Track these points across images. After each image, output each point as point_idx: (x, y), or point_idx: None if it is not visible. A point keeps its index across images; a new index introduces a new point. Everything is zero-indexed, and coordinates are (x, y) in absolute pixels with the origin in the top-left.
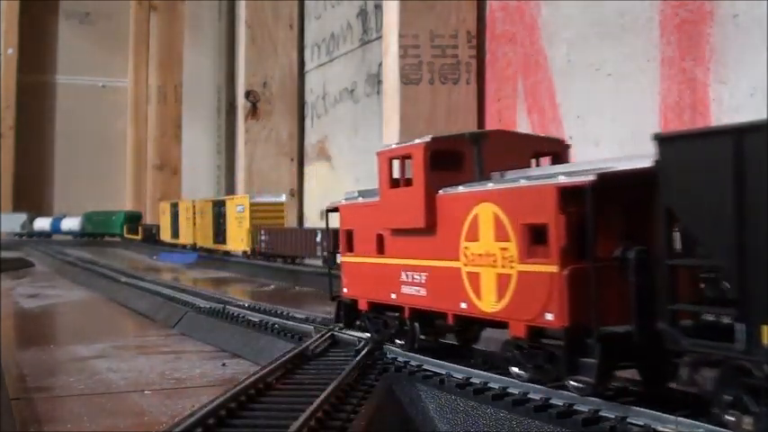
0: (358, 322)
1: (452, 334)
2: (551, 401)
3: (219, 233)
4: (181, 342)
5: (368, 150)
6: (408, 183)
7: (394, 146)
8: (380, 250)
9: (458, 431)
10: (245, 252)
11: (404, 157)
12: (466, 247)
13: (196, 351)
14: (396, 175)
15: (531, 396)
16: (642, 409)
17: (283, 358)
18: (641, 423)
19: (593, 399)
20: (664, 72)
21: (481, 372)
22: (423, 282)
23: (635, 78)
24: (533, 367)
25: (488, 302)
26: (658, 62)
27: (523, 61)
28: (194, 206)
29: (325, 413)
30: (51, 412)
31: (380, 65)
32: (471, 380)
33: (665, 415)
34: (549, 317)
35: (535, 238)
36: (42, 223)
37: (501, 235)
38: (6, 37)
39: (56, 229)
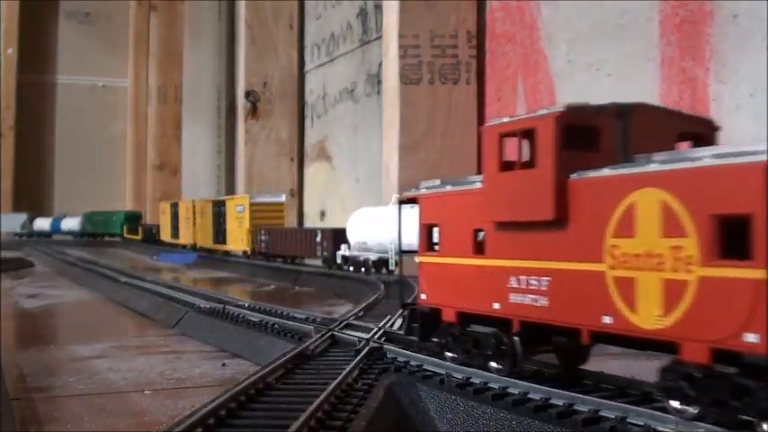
0: (436, 339)
1: (556, 354)
2: (551, 401)
3: (219, 233)
4: (181, 342)
5: (368, 150)
6: (527, 165)
7: (506, 119)
8: (478, 249)
9: (458, 431)
10: (245, 252)
11: (523, 133)
12: (614, 245)
13: (196, 351)
14: (509, 156)
15: (531, 396)
16: (642, 409)
17: (283, 358)
18: (641, 423)
19: (592, 398)
20: (664, 72)
21: (481, 372)
22: (543, 289)
23: (635, 78)
24: (709, 403)
25: (648, 317)
26: (658, 62)
27: (523, 61)
28: (194, 206)
29: (326, 413)
30: (51, 412)
31: (380, 65)
32: (471, 380)
33: (664, 415)
34: (751, 338)
35: (729, 233)
36: (42, 223)
37: (673, 229)
38: (6, 37)
39: (56, 229)
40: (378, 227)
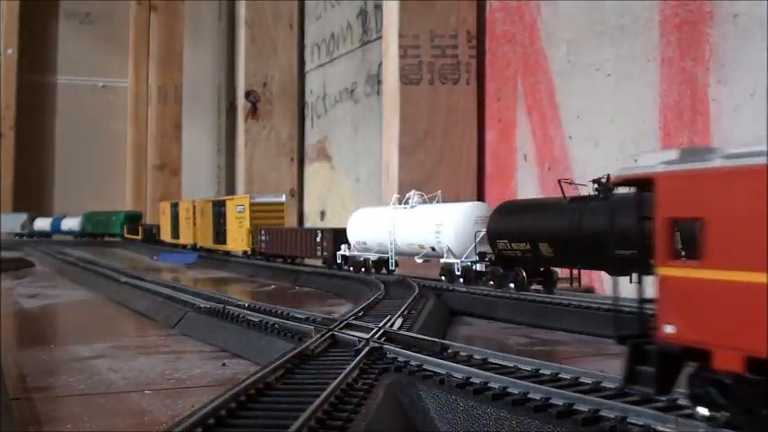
0: (688, 388)
1: None
2: (551, 401)
3: (219, 233)
4: (181, 342)
5: (368, 150)
6: None
7: None
8: None
9: (458, 431)
10: (245, 252)
11: None
12: None
13: (196, 351)
14: None
15: (530, 396)
16: (642, 409)
17: (283, 358)
18: (641, 423)
19: (592, 398)
20: (664, 72)
21: (481, 371)
22: None
23: (635, 78)
24: None
25: None
26: (658, 62)
27: (523, 61)
28: (194, 206)
29: (326, 413)
30: (51, 412)
31: (380, 65)
32: (471, 380)
33: (665, 415)
34: None
35: None
36: (42, 223)
37: None
38: (6, 37)
39: (56, 229)
40: (378, 227)
